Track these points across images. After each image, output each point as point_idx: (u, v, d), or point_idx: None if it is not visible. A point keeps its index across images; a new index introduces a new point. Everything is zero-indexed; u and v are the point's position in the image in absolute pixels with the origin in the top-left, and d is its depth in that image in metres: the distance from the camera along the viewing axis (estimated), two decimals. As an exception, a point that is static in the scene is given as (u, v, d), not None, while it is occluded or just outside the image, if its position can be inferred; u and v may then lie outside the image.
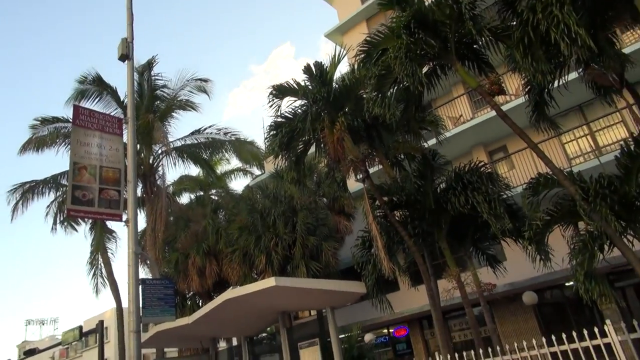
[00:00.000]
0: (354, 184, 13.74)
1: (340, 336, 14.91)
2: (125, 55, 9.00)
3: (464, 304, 10.55)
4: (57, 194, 21.20)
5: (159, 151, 20.56)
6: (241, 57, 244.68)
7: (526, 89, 9.03)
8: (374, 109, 8.91)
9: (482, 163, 10.90)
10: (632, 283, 12.96)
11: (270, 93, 11.09)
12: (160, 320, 9.14)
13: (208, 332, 17.97)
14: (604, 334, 6.06)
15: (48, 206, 21.53)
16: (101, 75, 19.24)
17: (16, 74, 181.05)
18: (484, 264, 12.49)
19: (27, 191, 20.61)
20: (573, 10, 6.29)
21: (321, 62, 11.05)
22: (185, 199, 25.89)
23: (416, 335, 17.03)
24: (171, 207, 21.61)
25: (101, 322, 21.53)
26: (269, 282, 12.15)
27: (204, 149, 21.82)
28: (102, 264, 23.09)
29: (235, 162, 25.35)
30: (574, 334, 6.22)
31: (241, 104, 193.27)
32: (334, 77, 11.17)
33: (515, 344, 6.74)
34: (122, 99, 19.48)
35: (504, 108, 12.86)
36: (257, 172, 25.27)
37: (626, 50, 11.33)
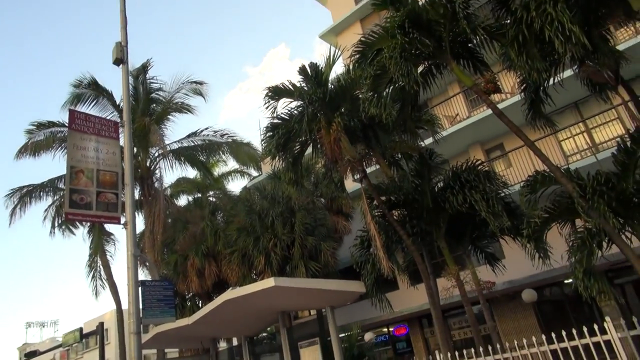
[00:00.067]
0: (351, 184, 13.74)
1: (340, 335, 14.92)
2: (120, 59, 8.97)
3: (463, 302, 10.57)
4: (55, 198, 21.20)
5: (156, 154, 20.56)
6: (236, 59, 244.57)
7: (522, 87, 9.05)
8: (370, 109, 8.91)
9: (479, 161, 10.91)
10: (631, 280, 12.98)
11: (266, 94, 11.08)
12: (161, 321, 9.13)
13: (208, 332, 17.96)
14: (603, 331, 6.07)
15: (46, 210, 21.54)
16: (96, 79, 19.26)
17: (8, 78, 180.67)
18: (482, 262, 12.50)
19: (25, 195, 20.60)
20: (567, 7, 6.29)
21: (316, 63, 11.04)
22: (183, 201, 25.91)
23: (416, 334, 17.05)
24: (169, 209, 21.59)
25: (101, 324, 21.50)
26: (269, 282, 12.14)
27: (200, 152, 21.82)
28: (101, 267, 23.10)
29: (232, 164, 25.38)
30: (574, 331, 6.23)
31: (237, 107, 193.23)
32: (330, 78, 11.16)
33: (515, 342, 6.76)
34: (118, 103, 19.47)
35: (500, 106, 12.90)
36: (254, 173, 25.29)
37: (620, 47, 11.36)
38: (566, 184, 7.40)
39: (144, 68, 20.06)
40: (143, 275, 21.17)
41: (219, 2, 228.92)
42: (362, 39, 9.32)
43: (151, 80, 20.42)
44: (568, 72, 9.50)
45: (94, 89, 19.22)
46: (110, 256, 23.14)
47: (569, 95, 13.19)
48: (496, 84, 9.39)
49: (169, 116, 21.06)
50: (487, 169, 11.16)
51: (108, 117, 18.48)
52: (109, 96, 19.52)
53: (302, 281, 14.08)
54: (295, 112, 11.21)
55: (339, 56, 11.35)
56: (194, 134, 21.58)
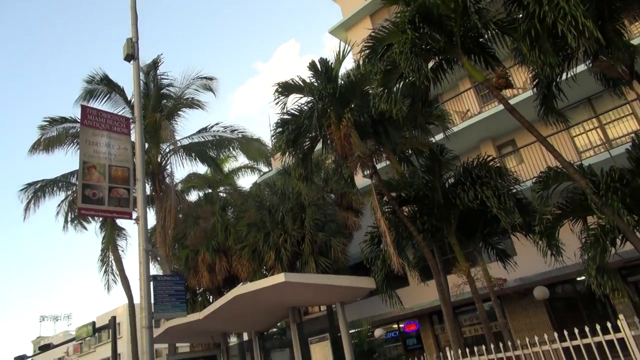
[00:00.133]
0: (361, 180, 13.72)
1: (351, 331, 14.94)
2: (131, 55, 9.02)
3: (474, 299, 10.53)
4: (68, 193, 21.44)
5: (167, 149, 20.68)
6: (246, 55, 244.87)
7: (534, 82, 8.94)
8: (380, 104, 8.88)
9: (491, 157, 10.84)
10: (644, 277, 12.83)
11: (276, 90, 11.08)
12: (172, 316, 9.19)
13: (219, 327, 18.09)
14: (616, 329, 6.00)
15: (59, 205, 21.79)
16: (108, 75, 19.39)
17: (18, 74, 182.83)
18: (494, 259, 12.43)
19: (39, 190, 20.86)
20: (580, 1, 6.20)
21: (326, 59, 11.01)
22: (193, 196, 26.06)
23: (426, 331, 17.02)
24: (180, 204, 21.74)
25: (114, 318, 21.81)
26: (279, 278, 12.18)
27: (211, 147, 21.90)
28: (113, 261, 23.33)
29: (242, 160, 25.46)
30: (586, 328, 6.18)
31: (247, 103, 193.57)
32: (339, 74, 11.12)
33: (527, 339, 6.71)
34: (129, 98, 19.59)
35: (512, 102, 12.76)
36: (264, 169, 25.34)
37: (635, 41, 11.15)
38: (579, 180, 7.32)
39: (155, 64, 20.16)
40: (154, 270, 21.32)
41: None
42: (372, 34, 9.28)
43: (162, 76, 20.53)
44: (581, 67, 9.39)
45: (106, 85, 19.38)
46: (122, 251, 23.37)
47: (582, 91, 13.01)
48: (508, 79, 9.33)
49: (179, 112, 21.16)
50: (498, 165, 11.09)
51: (120, 113, 18.70)
52: (121, 92, 19.67)
53: (312, 277, 14.10)
54: (305, 107, 11.19)
55: (349, 51, 11.30)
56: (205, 129, 21.67)
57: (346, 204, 17.80)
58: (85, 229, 22.78)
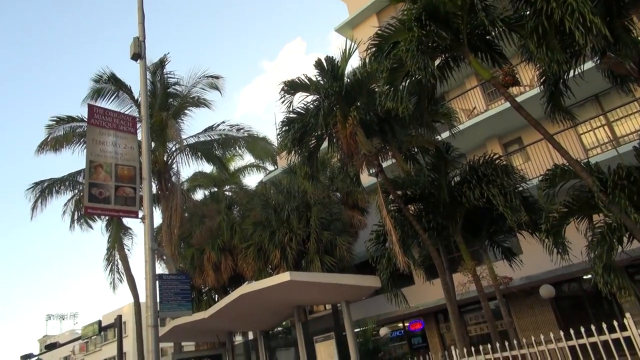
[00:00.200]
0: (367, 179, 13.70)
1: (356, 330, 14.94)
2: (138, 55, 9.05)
3: (480, 297, 10.50)
4: (75, 192, 21.54)
5: (173, 148, 20.74)
6: (252, 53, 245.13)
7: (541, 80, 8.90)
8: (386, 102, 8.86)
9: (497, 155, 10.80)
10: (652, 275, 12.75)
11: (282, 89, 11.07)
12: (177, 314, 9.20)
13: (224, 326, 18.15)
14: (623, 328, 5.98)
15: (65, 204, 21.88)
16: (115, 74, 19.47)
17: (25, 73, 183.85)
18: (499, 258, 12.39)
19: (45, 189, 20.95)
20: (588, -2, 6.16)
21: (332, 57, 10.99)
22: (199, 195, 26.11)
23: (432, 329, 16.99)
24: (186, 203, 21.78)
25: (119, 317, 21.89)
26: (284, 276, 12.20)
27: (217, 146, 21.94)
28: (119, 260, 23.43)
29: (248, 158, 25.47)
30: (593, 327, 6.15)
31: (253, 101, 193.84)
32: (346, 72, 11.11)
33: (533, 338, 6.69)
34: (136, 97, 19.66)
35: (519, 99, 12.72)
36: (270, 167, 25.35)
37: (644, 38, 11.09)
38: (586, 178, 7.29)
39: (162, 63, 20.22)
40: (160, 269, 21.44)
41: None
42: (379, 32, 9.26)
43: (168, 75, 20.59)
44: (589, 64, 9.32)
45: (113, 84, 19.46)
46: (128, 250, 23.46)
47: (589, 88, 12.93)
48: (515, 77, 9.25)
49: (185, 111, 21.22)
50: (504, 162, 11.04)
51: (127, 111, 18.82)
52: (128, 91, 19.75)
53: (318, 276, 14.12)
54: (311, 106, 11.18)
55: (355, 50, 11.29)
56: (211, 128, 21.72)
57: (352, 202, 17.79)
58: (91, 227, 22.87)
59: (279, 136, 11.87)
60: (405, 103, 8.65)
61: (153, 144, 19.53)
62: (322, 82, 11.03)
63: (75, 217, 21.95)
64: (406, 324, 17.91)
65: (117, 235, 22.63)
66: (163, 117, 18.72)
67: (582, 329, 6.22)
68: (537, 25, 6.97)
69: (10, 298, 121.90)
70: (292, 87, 11.12)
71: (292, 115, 11.29)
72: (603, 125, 14.75)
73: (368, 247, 12.30)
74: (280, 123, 11.40)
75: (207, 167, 24.73)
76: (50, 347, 52.05)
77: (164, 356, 33.48)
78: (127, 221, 22.96)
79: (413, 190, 11.18)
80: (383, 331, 16.55)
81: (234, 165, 26.29)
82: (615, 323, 6.07)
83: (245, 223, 18.16)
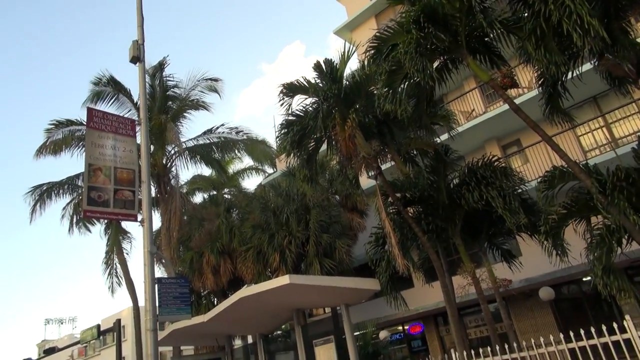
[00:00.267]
0: (366, 181, 13.71)
1: (355, 333, 14.90)
2: (137, 58, 9.05)
3: (479, 300, 10.48)
4: (74, 196, 21.50)
5: (172, 151, 20.73)
6: (251, 56, 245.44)
7: (539, 81, 8.91)
8: (385, 105, 8.87)
9: (496, 157, 10.81)
10: (651, 277, 12.75)
11: (281, 91, 11.08)
12: (176, 318, 9.20)
13: (223, 330, 18.08)
14: (623, 330, 5.97)
15: (64, 208, 21.83)
16: (115, 77, 19.50)
17: (23, 77, 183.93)
18: (499, 260, 12.38)
19: (44, 193, 20.92)
20: (585, 0, 6.18)
21: (331, 60, 11.00)
22: (198, 198, 26.08)
23: (431, 332, 16.96)
24: (185, 206, 21.76)
25: (118, 321, 21.81)
26: (283, 279, 12.17)
27: (216, 149, 21.93)
28: (118, 264, 23.36)
29: (247, 161, 25.48)
30: (592, 329, 6.14)
31: (252, 104, 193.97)
32: (344, 74, 11.12)
33: (533, 340, 6.67)
34: (135, 100, 19.68)
35: (517, 101, 12.72)
36: (269, 170, 25.35)
37: (642, 40, 11.12)
38: (585, 180, 7.29)
39: (161, 66, 20.24)
40: (159, 272, 21.40)
41: (233, 0, 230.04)
42: (377, 34, 9.27)
43: (167, 78, 20.60)
44: (587, 66, 9.34)
45: (112, 87, 19.48)
46: (127, 253, 23.39)
47: (587, 90, 12.93)
48: (513, 79, 9.29)
49: (185, 113, 21.22)
50: (503, 165, 11.05)
51: (127, 114, 18.87)
52: (127, 94, 19.77)
53: (317, 279, 14.08)
54: (310, 108, 11.19)
55: (354, 52, 11.30)
56: (210, 131, 21.71)
57: (351, 205, 17.78)
58: (89, 231, 22.81)
59: (278, 139, 11.89)
60: (404, 105, 8.66)
61: (152, 147, 19.53)
62: (321, 84, 11.03)
63: (74, 220, 21.92)
64: (406, 327, 17.88)
65: (116, 238, 22.58)
66: (162, 120, 18.72)
67: (582, 332, 6.21)
68: (535, 27, 6.99)
69: (8, 302, 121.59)
70: (291, 89, 11.13)
71: (291, 117, 11.29)
72: (601, 126, 14.77)
73: (367, 250, 12.28)
74: (279, 126, 11.40)
75: (207, 170, 24.73)
76: (49, 351, 51.98)
77: (163, 360, 33.42)
78: (126, 224, 22.90)
79: (412, 192, 11.17)
80: (383, 334, 16.51)
81: (233, 168, 26.31)
82: (615, 325, 6.06)
83: (244, 226, 18.14)
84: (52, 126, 19.60)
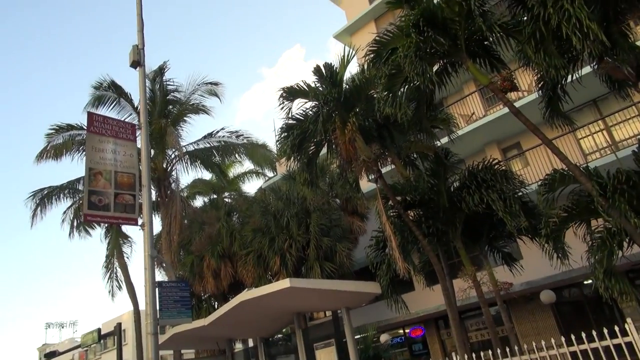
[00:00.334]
0: (366, 184, 13.69)
1: (356, 337, 14.88)
2: (137, 62, 9.07)
3: (480, 303, 10.46)
4: (74, 200, 21.50)
5: (173, 155, 20.74)
6: (251, 60, 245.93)
7: (539, 85, 8.92)
8: (385, 108, 8.88)
9: (496, 161, 10.81)
10: (652, 280, 12.72)
11: (281, 95, 11.09)
12: (177, 322, 9.17)
13: (224, 333, 18.07)
14: (624, 333, 5.95)
15: (65, 212, 21.84)
16: (115, 81, 19.54)
17: (24, 82, 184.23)
18: (500, 263, 12.36)
19: (45, 197, 20.92)
20: (584, 3, 6.19)
21: (331, 63, 11.03)
22: (199, 202, 26.10)
23: (432, 336, 16.92)
24: (185, 210, 21.76)
25: (119, 325, 21.83)
26: (284, 283, 12.16)
27: (216, 153, 21.93)
28: (119, 268, 23.35)
29: (247, 165, 25.49)
30: (594, 333, 6.12)
31: (252, 108, 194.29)
32: (344, 78, 11.14)
33: (534, 344, 6.65)
34: (136, 105, 19.71)
35: (517, 104, 12.75)
36: (269, 174, 25.35)
37: (641, 43, 11.13)
38: (585, 183, 7.29)
39: (161, 70, 20.27)
40: (160, 276, 21.39)
41: (233, 4, 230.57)
42: (377, 38, 9.29)
43: (168, 83, 20.62)
44: (587, 69, 9.36)
45: (113, 91, 19.52)
46: (127, 257, 23.39)
47: (587, 93, 12.97)
48: (513, 82, 9.27)
49: (185, 117, 21.24)
50: (503, 168, 11.04)
51: (127, 119, 18.92)
52: (128, 98, 19.80)
53: (318, 282, 14.08)
54: (310, 112, 11.21)
55: (354, 56, 11.32)
56: (210, 135, 21.72)
57: (351, 208, 17.78)
58: (89, 235, 22.81)
59: (278, 142, 11.88)
60: (403, 109, 8.66)
61: (152, 151, 19.56)
62: (320, 88, 11.05)
63: (75, 224, 21.92)
64: (407, 331, 17.84)
65: (117, 242, 22.58)
66: (162, 124, 18.74)
67: (584, 335, 6.19)
68: (535, 30, 7.00)
69: (9, 306, 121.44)
70: (291, 93, 11.15)
71: (291, 121, 11.31)
72: (602, 129, 14.77)
73: (368, 253, 12.27)
74: (280, 129, 11.41)
75: (207, 174, 24.77)
76: (50, 355, 51.92)
77: (164, 364, 33.36)
78: (127, 229, 22.94)
79: (412, 196, 11.17)
80: (383, 338, 16.48)
81: (234, 171, 26.32)
82: (617, 328, 6.04)
83: (244, 230, 18.13)
84: (53, 131, 19.63)
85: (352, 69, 37.30)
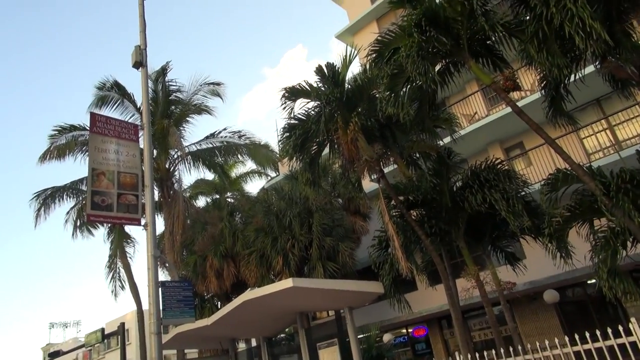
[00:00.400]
0: (369, 184, 13.69)
1: (359, 336, 14.88)
2: (139, 63, 9.08)
3: (483, 303, 10.45)
4: (77, 200, 21.55)
5: (175, 156, 20.76)
6: (253, 61, 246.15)
7: (542, 84, 8.90)
8: (387, 108, 8.87)
9: (499, 160, 10.79)
10: (656, 279, 12.67)
11: (283, 95, 11.10)
12: (180, 321, 9.19)
13: (227, 333, 18.08)
14: (629, 333, 5.94)
15: (68, 212, 21.88)
16: (118, 81, 19.57)
17: (27, 83, 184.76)
18: (503, 263, 12.34)
19: (48, 197, 20.97)
20: (587, 2, 6.17)
21: (333, 63, 11.03)
22: (201, 202, 26.13)
23: (435, 335, 16.90)
24: (188, 210, 21.79)
25: (122, 325, 21.84)
26: (287, 283, 12.17)
27: (218, 153, 21.94)
28: (122, 268, 23.40)
29: (250, 165, 25.51)
30: (598, 332, 6.11)
31: (255, 108, 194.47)
32: (346, 78, 11.15)
33: (537, 343, 6.64)
34: (138, 105, 19.74)
35: (520, 104, 12.70)
36: (272, 174, 25.36)
37: (645, 42, 11.08)
38: (589, 182, 7.27)
39: (164, 71, 20.30)
40: (163, 276, 21.39)
41: (235, 5, 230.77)
42: (379, 38, 9.28)
43: (170, 83, 20.64)
44: (590, 68, 9.33)
45: (116, 91, 19.56)
46: (130, 257, 23.43)
47: (590, 92, 12.93)
48: (515, 82, 9.24)
49: (187, 118, 21.27)
50: (506, 167, 11.03)
51: (130, 119, 19.01)
52: (130, 98, 19.84)
53: (320, 282, 14.08)
54: (312, 112, 11.21)
55: (356, 56, 11.32)
56: (212, 135, 21.74)
57: (354, 208, 17.77)
58: (92, 234, 22.87)
59: (280, 142, 11.88)
60: (406, 109, 8.65)
61: (155, 152, 19.58)
62: (323, 88, 11.05)
63: (78, 224, 21.96)
64: (410, 330, 17.82)
65: (120, 242, 22.63)
66: (165, 125, 18.77)
67: (587, 334, 6.18)
68: (537, 30, 6.98)
69: (13, 306, 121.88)
70: (293, 93, 11.15)
71: (293, 121, 11.31)
72: (605, 129, 14.72)
73: (370, 253, 12.27)
74: (282, 129, 11.42)
75: (209, 175, 24.80)
76: (53, 355, 52.10)
77: (167, 364, 33.42)
78: (129, 229, 22.99)
79: (415, 195, 11.16)
80: (386, 337, 16.48)
81: (236, 172, 26.34)
82: (621, 328, 6.03)
83: (247, 230, 18.15)
84: (56, 132, 19.66)
85: (354, 68, 37.29)
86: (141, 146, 9.34)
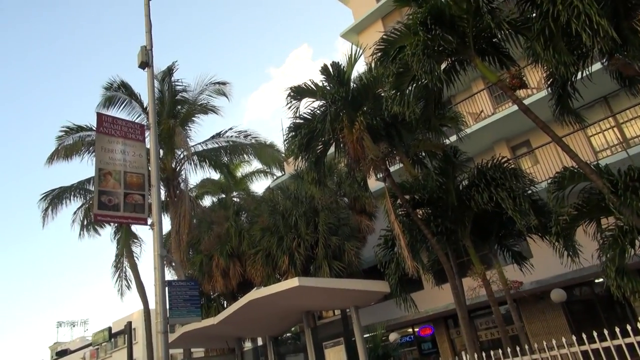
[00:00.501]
0: (374, 183, 13.67)
1: (365, 335, 14.86)
2: (145, 63, 9.11)
3: (490, 302, 10.41)
4: (84, 200, 21.65)
5: (181, 155, 20.81)
6: (259, 60, 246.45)
7: (548, 82, 8.84)
8: (392, 107, 8.86)
9: (505, 159, 10.74)
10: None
11: (289, 95, 11.11)
12: (187, 321, 9.21)
13: (233, 332, 18.13)
14: (637, 332, 5.89)
15: (75, 212, 21.96)
16: (125, 82, 19.62)
17: (34, 84, 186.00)
18: (509, 262, 12.29)
19: (55, 197, 21.08)
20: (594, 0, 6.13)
21: (338, 62, 11.03)
22: (207, 201, 26.16)
23: (442, 335, 16.87)
24: (194, 210, 21.81)
25: (129, 324, 21.96)
26: (293, 282, 12.17)
27: (224, 153, 21.97)
28: (128, 267, 23.45)
29: (256, 164, 25.51)
30: (605, 332, 6.06)
31: (260, 108, 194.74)
32: (352, 77, 11.14)
33: (544, 343, 6.60)
34: (145, 105, 19.81)
35: (526, 102, 12.66)
36: (277, 173, 25.38)
37: (653, 39, 10.98)
38: (596, 181, 7.22)
39: (170, 71, 20.33)
40: (169, 275, 21.46)
41: (241, 5, 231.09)
42: (384, 36, 9.26)
43: (176, 83, 20.64)
44: (597, 66, 9.26)
45: (123, 92, 19.60)
46: (137, 257, 23.47)
47: (598, 90, 12.83)
48: (522, 79, 9.21)
49: (193, 118, 21.28)
50: (513, 166, 10.98)
51: (137, 119, 19.05)
52: (137, 99, 19.90)
53: (326, 281, 14.08)
54: (318, 111, 11.22)
55: (361, 55, 11.31)
56: (218, 135, 21.75)
57: (359, 207, 17.76)
58: (99, 234, 22.88)
59: (285, 142, 11.92)
60: (411, 107, 8.64)
61: (161, 152, 19.63)
62: (328, 87, 11.05)
63: (85, 224, 22.06)
64: (416, 329, 17.80)
65: (126, 242, 22.68)
66: (171, 125, 18.81)
67: (595, 334, 6.13)
68: (544, 27, 6.94)
69: (21, 305, 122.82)
70: (298, 92, 11.16)
71: (298, 121, 11.32)
72: (612, 127, 14.62)
73: (376, 252, 12.26)
74: (287, 129, 11.43)
75: (215, 174, 24.84)
76: (61, 353, 52.44)
77: (174, 363, 33.55)
78: (136, 228, 22.99)
79: (421, 194, 11.14)
80: (393, 336, 16.45)
81: (242, 171, 26.37)
82: (629, 327, 5.98)
83: (253, 229, 18.19)
84: (63, 133, 19.75)
85: (360, 67, 37.24)
86: (147, 146, 9.38)
